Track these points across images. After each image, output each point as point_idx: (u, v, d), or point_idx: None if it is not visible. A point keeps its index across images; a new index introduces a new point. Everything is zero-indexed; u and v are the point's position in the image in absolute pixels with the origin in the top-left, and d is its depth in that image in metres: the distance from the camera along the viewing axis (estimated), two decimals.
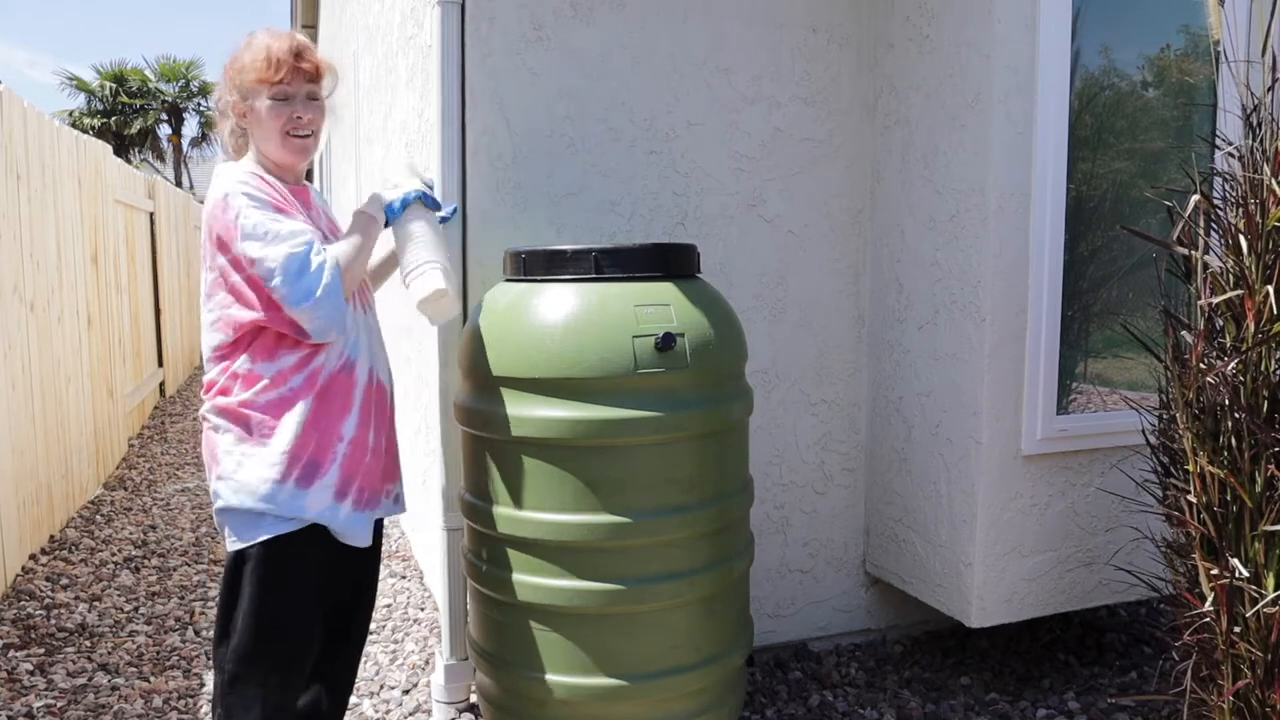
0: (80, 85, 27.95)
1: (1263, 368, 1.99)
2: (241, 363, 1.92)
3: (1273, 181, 1.97)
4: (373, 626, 3.44)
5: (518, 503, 2.20)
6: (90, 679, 3.04)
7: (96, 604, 3.68)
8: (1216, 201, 2.16)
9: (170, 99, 29.03)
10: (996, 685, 2.97)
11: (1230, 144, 2.31)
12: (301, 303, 1.84)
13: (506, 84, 2.67)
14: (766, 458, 3.03)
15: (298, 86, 1.96)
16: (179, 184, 27.87)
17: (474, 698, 2.79)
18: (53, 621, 3.50)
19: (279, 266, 1.84)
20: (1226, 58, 2.72)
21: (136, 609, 3.64)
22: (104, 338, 5.85)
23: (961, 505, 2.75)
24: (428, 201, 2.18)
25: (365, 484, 2.04)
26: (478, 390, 2.29)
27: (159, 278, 8.33)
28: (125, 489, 5.44)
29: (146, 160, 28.57)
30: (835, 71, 2.99)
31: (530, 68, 2.69)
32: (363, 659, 3.16)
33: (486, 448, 2.27)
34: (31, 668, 3.11)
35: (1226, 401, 2.01)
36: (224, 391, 1.94)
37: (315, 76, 1.99)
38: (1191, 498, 2.09)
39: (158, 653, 3.24)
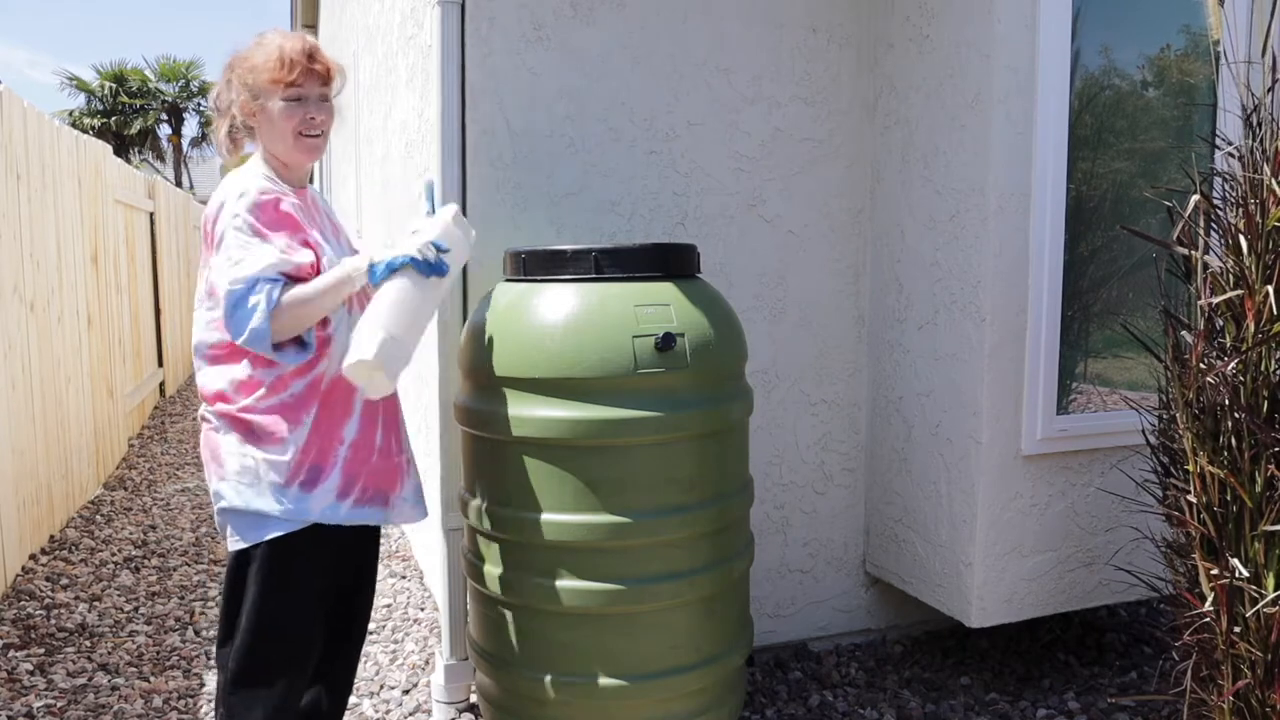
0: (80, 85, 27.95)
1: (1263, 368, 1.99)
2: (241, 368, 1.92)
3: (1273, 181, 1.97)
4: (373, 626, 3.44)
5: (518, 503, 2.20)
6: (90, 679, 3.04)
7: (96, 604, 3.68)
8: (1216, 201, 2.16)
9: (170, 99, 29.04)
10: (996, 685, 2.97)
11: (1230, 144, 2.31)
12: (235, 336, 1.86)
13: (506, 84, 2.67)
14: (766, 458, 3.03)
15: (310, 87, 1.96)
16: (179, 184, 27.88)
17: (474, 698, 2.79)
18: (53, 621, 3.50)
19: (223, 295, 1.85)
20: (1226, 58, 2.72)
21: (136, 609, 3.64)
22: (104, 338, 5.85)
23: (961, 505, 2.75)
24: (419, 266, 1.92)
25: (370, 483, 2.04)
26: (478, 390, 2.29)
27: (159, 278, 8.33)
28: (125, 489, 5.44)
29: (146, 160, 28.57)
30: (835, 71, 2.99)
31: (530, 68, 2.69)
32: (363, 659, 3.16)
33: (486, 448, 2.27)
34: (31, 668, 3.11)
35: (1226, 401, 2.01)
36: (224, 398, 1.93)
37: (327, 78, 1.99)
38: (1191, 498, 2.09)
39: (158, 653, 3.24)
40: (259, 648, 1.94)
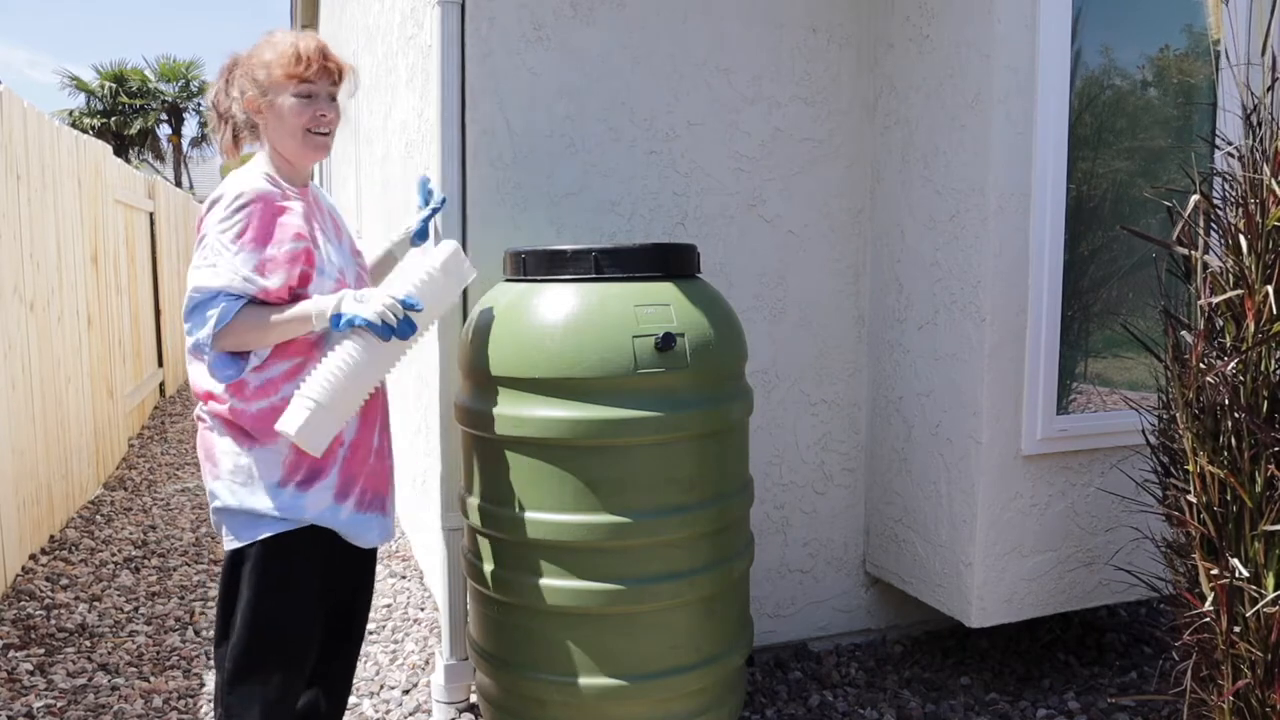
0: (80, 85, 27.97)
1: (1263, 368, 1.99)
2: (231, 369, 1.93)
3: (1273, 181, 1.97)
4: (373, 626, 3.44)
5: (518, 503, 2.20)
6: (90, 679, 3.04)
7: (96, 604, 3.68)
8: (1216, 201, 2.16)
9: (170, 99, 29.05)
10: (996, 685, 2.97)
11: (1230, 144, 2.31)
12: (189, 336, 1.89)
13: (506, 84, 2.67)
14: (766, 458, 3.03)
15: (322, 85, 1.96)
16: (179, 184, 27.88)
17: (474, 698, 2.79)
18: (53, 621, 3.50)
19: (188, 296, 1.88)
20: (1227, 58, 2.72)
21: (136, 609, 3.64)
22: (104, 338, 5.85)
23: (961, 505, 2.75)
24: (377, 330, 1.88)
25: (369, 485, 2.04)
26: (478, 390, 2.29)
27: (159, 278, 8.33)
28: (125, 489, 5.44)
29: (146, 160, 28.59)
30: (835, 71, 2.99)
31: (530, 68, 2.69)
32: (363, 659, 3.16)
33: (487, 448, 2.27)
34: (31, 668, 3.11)
35: (1226, 401, 2.01)
36: (215, 398, 1.93)
37: (338, 77, 2.00)
38: (1191, 498, 2.09)
39: (158, 653, 3.24)
40: (255, 647, 1.94)
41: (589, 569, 2.16)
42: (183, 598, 3.75)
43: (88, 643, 3.32)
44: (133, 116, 28.38)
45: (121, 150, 27.06)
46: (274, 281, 1.87)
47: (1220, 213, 2.10)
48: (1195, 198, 2.10)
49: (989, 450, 2.68)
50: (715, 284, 2.91)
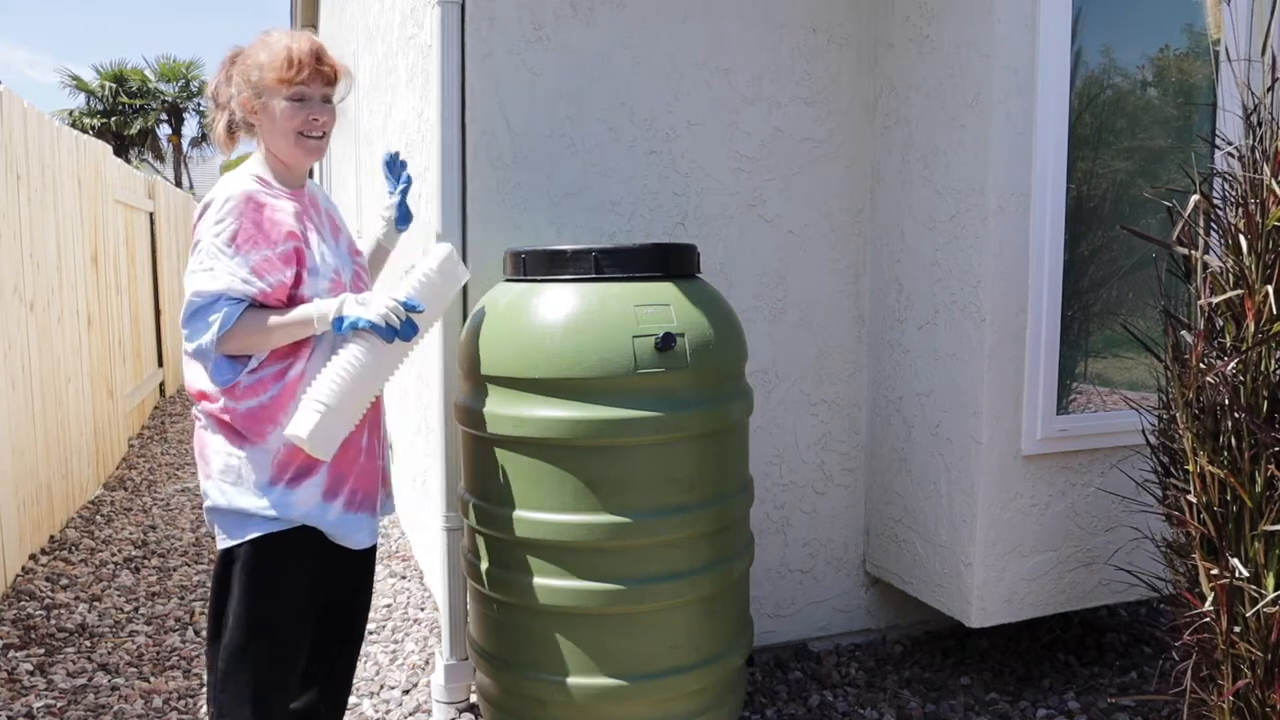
0: (80, 85, 27.97)
1: (1263, 368, 1.99)
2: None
3: (1273, 181, 1.97)
4: (373, 626, 3.44)
5: (518, 503, 2.20)
6: (90, 679, 3.04)
7: (96, 604, 3.68)
8: (1216, 201, 2.16)
9: (170, 99, 29.05)
10: (996, 685, 2.97)
11: (1230, 144, 2.31)
12: (187, 341, 1.88)
13: (506, 84, 2.67)
14: (766, 458, 3.03)
15: (315, 88, 1.95)
16: (179, 184, 27.88)
17: (474, 698, 2.79)
18: (53, 621, 3.50)
19: (187, 301, 1.87)
20: (1227, 58, 2.72)
21: (136, 609, 3.64)
22: (104, 338, 5.85)
23: (961, 505, 2.75)
24: (381, 332, 1.89)
25: (359, 485, 2.03)
26: (478, 390, 2.29)
27: (159, 278, 8.33)
28: (125, 489, 5.44)
29: (146, 160, 28.59)
30: (835, 71, 2.99)
31: (530, 68, 2.69)
32: (363, 659, 3.16)
33: (487, 448, 2.27)
34: (31, 668, 3.11)
35: (1226, 401, 2.01)
36: (207, 397, 1.94)
37: (332, 79, 1.99)
38: (1191, 498, 2.09)
39: (158, 653, 3.24)
40: (247, 646, 1.94)
41: (589, 569, 2.16)
42: (183, 598, 3.75)
43: (88, 643, 3.32)
44: (133, 116, 28.38)
45: (121, 150, 27.07)
46: (271, 282, 1.87)
47: (1220, 213, 2.10)
48: (1195, 198, 2.10)
49: (989, 450, 2.68)
50: (715, 284, 2.91)
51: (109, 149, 6.21)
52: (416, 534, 4.05)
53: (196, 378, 1.94)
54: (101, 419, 5.61)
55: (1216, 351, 2.09)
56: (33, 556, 4.16)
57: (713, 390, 2.25)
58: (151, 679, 3.05)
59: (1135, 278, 2.83)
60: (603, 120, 2.77)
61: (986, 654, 3.17)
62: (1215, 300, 2.04)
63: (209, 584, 3.87)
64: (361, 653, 3.18)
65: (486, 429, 2.24)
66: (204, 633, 3.40)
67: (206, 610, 2.09)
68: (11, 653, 3.23)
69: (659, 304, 2.20)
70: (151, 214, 8.12)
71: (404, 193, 2.29)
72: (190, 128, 30.73)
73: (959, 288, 2.73)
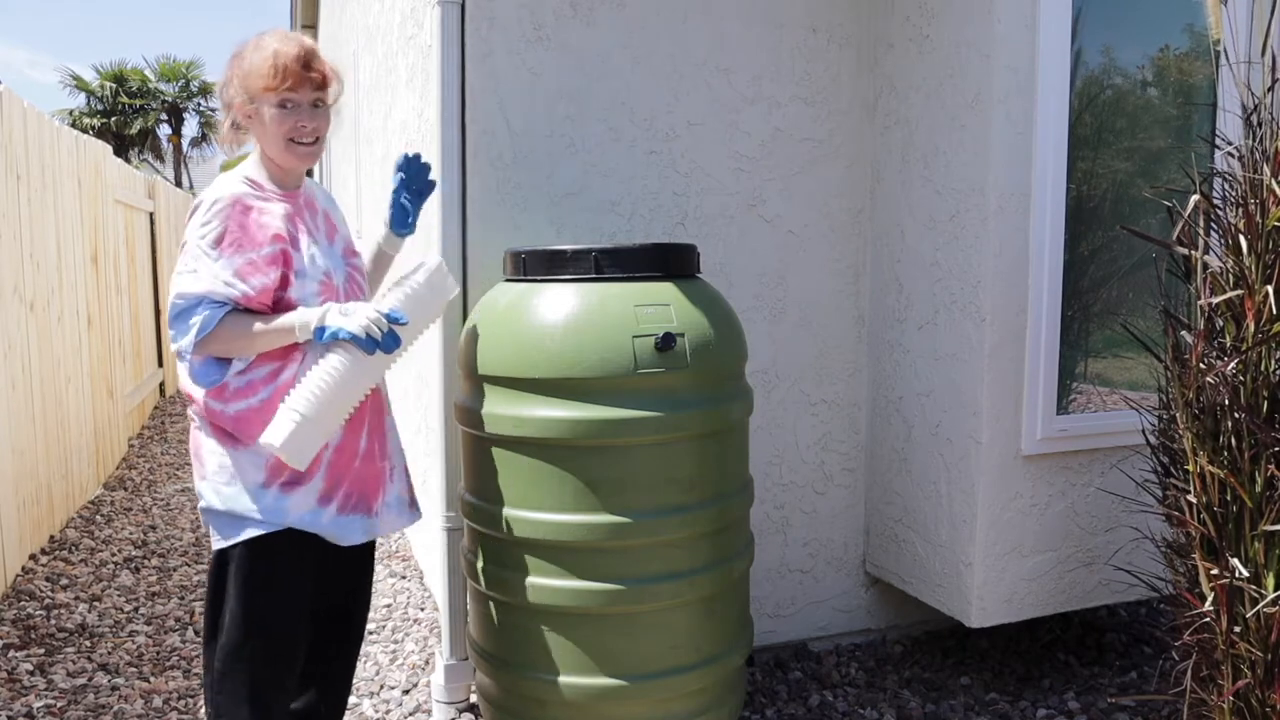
0: (80, 85, 27.97)
1: (1263, 368, 1.99)
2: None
3: (1273, 181, 1.97)
4: (373, 626, 3.44)
5: (518, 503, 2.20)
6: (90, 679, 3.04)
7: (96, 604, 3.68)
8: (1216, 201, 2.16)
9: (170, 99, 29.05)
10: (996, 685, 2.97)
11: (1230, 144, 2.31)
12: (172, 344, 1.90)
13: (506, 84, 2.67)
14: (766, 458, 3.03)
15: (304, 94, 1.94)
16: (179, 184, 27.89)
17: (474, 698, 2.79)
18: (53, 621, 3.50)
19: (171, 302, 1.88)
20: (1226, 58, 2.72)
21: (136, 609, 3.64)
22: (104, 338, 5.85)
23: (961, 505, 2.75)
24: (362, 344, 1.87)
25: (354, 488, 2.03)
26: (478, 390, 2.29)
27: (159, 278, 8.33)
28: (125, 489, 5.44)
29: (146, 160, 28.59)
30: (835, 71, 2.99)
31: (530, 68, 2.69)
32: (363, 659, 3.16)
33: (487, 448, 2.27)
34: (31, 668, 3.11)
35: (1226, 401, 2.01)
36: (198, 400, 1.95)
37: (322, 84, 1.97)
38: (1191, 498, 2.09)
39: (158, 653, 3.24)
40: (243, 646, 1.94)
41: (589, 569, 2.16)
42: (183, 598, 3.75)
43: (88, 643, 3.32)
44: (133, 116, 28.38)
45: (121, 150, 27.06)
46: (255, 285, 1.87)
47: (1220, 213, 2.10)
48: (1195, 198, 2.10)
49: (989, 450, 2.68)
50: (715, 284, 2.91)
51: (109, 149, 6.21)
52: (416, 534, 4.05)
53: (187, 379, 1.95)
54: (101, 419, 5.61)
55: (1216, 351, 2.09)
56: (33, 556, 4.16)
57: (713, 390, 2.25)
58: (151, 679, 3.05)
59: (1135, 278, 2.83)
60: (603, 120, 2.77)
61: (986, 654, 3.17)
62: (1215, 300, 2.04)
63: None
64: (361, 653, 3.18)
65: (486, 429, 2.24)
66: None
67: (204, 611, 2.09)
68: (11, 653, 3.23)
69: (659, 304, 2.20)
70: (151, 214, 8.12)
71: (398, 192, 2.23)
72: (190, 128, 30.81)
73: (959, 288, 2.73)
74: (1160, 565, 2.65)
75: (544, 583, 2.18)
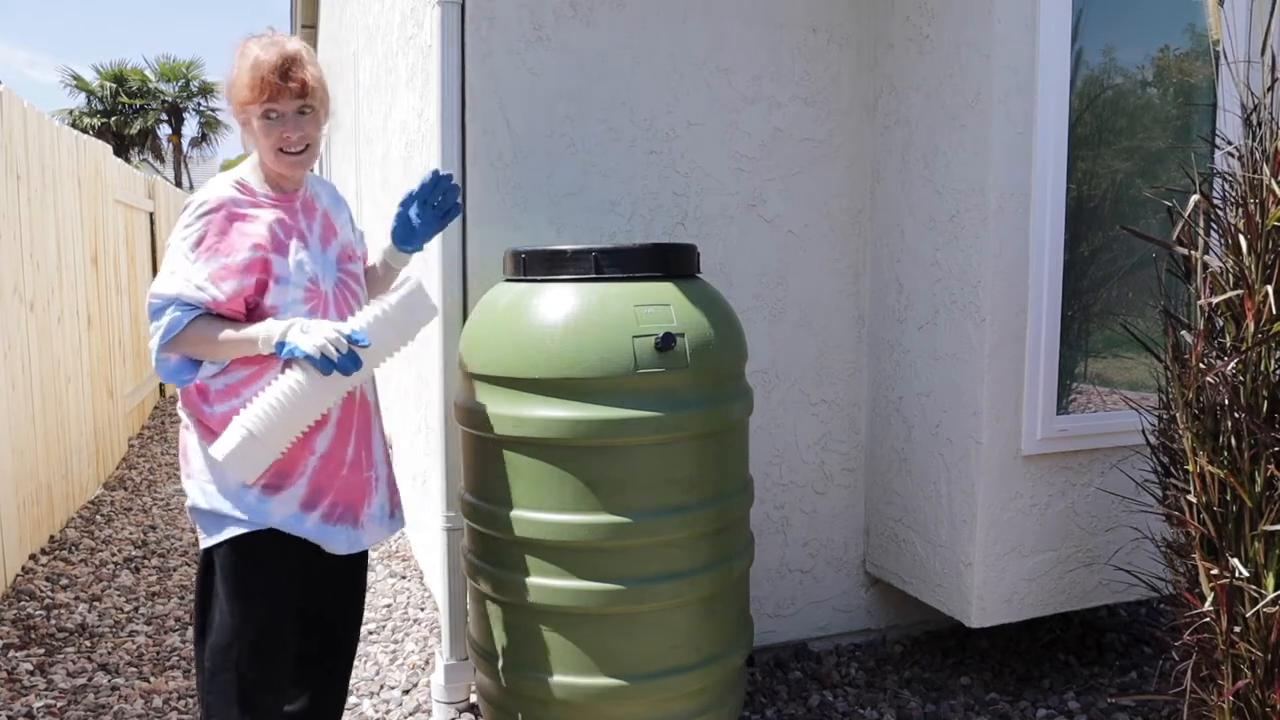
0: (80, 85, 27.98)
1: (1263, 368, 1.99)
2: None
3: (1273, 181, 1.97)
4: (373, 626, 3.44)
5: (518, 503, 2.20)
6: (90, 679, 3.04)
7: (96, 604, 3.68)
8: (1216, 201, 2.16)
9: (170, 99, 29.06)
10: (996, 685, 2.97)
11: (1230, 144, 2.31)
12: (150, 339, 1.91)
13: (506, 84, 2.67)
14: (766, 458, 3.03)
15: (285, 104, 1.91)
16: (179, 184, 27.89)
17: (474, 698, 2.79)
18: (53, 621, 3.50)
19: (149, 301, 1.90)
20: (1226, 58, 2.72)
21: (136, 609, 3.64)
22: (104, 338, 5.85)
23: (961, 505, 2.75)
24: (317, 364, 1.81)
25: (340, 498, 2.01)
26: (478, 390, 2.29)
27: None
28: (125, 489, 5.44)
29: (146, 160, 28.60)
30: (835, 71, 2.99)
31: (530, 68, 2.69)
32: (363, 659, 3.16)
33: (487, 448, 2.27)
34: (31, 668, 3.11)
35: (1226, 401, 2.01)
36: (184, 398, 1.97)
37: (303, 93, 1.92)
38: (1191, 498, 2.09)
39: (158, 653, 3.24)
40: (231, 645, 1.94)
41: (589, 569, 2.16)
42: (182, 598, 3.75)
43: (88, 643, 3.32)
44: (133, 116, 28.39)
45: (121, 150, 27.06)
46: (226, 290, 1.87)
47: (1220, 213, 2.10)
48: (1195, 198, 2.10)
49: (989, 450, 2.68)
50: (715, 284, 2.91)
51: (109, 149, 6.21)
52: (416, 534, 4.05)
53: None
54: (101, 419, 5.61)
55: (1216, 351, 2.09)
56: (33, 556, 4.16)
57: (713, 390, 2.25)
58: (151, 679, 3.05)
59: (1135, 278, 2.83)
60: (603, 120, 2.77)
61: (986, 654, 3.17)
62: (1215, 300, 2.04)
63: None
64: (361, 653, 3.18)
65: (486, 429, 2.24)
66: None
67: (193, 611, 2.09)
68: (11, 653, 3.23)
69: (659, 304, 2.20)
70: (151, 214, 8.13)
71: (406, 205, 2.19)
72: (190, 128, 30.84)
73: (959, 288, 2.73)
74: (1160, 565, 2.65)
75: (544, 583, 2.18)
